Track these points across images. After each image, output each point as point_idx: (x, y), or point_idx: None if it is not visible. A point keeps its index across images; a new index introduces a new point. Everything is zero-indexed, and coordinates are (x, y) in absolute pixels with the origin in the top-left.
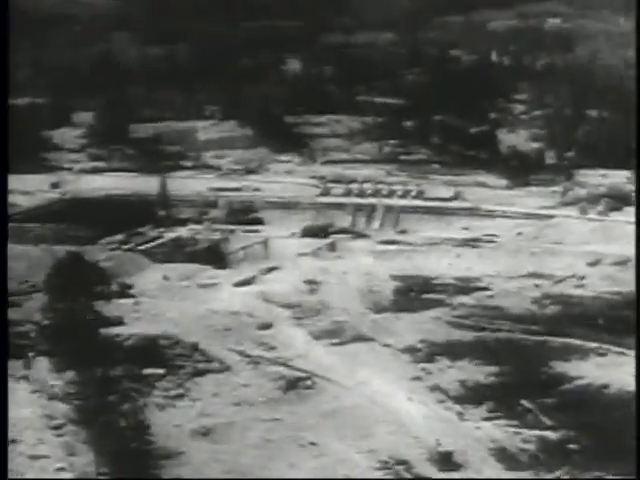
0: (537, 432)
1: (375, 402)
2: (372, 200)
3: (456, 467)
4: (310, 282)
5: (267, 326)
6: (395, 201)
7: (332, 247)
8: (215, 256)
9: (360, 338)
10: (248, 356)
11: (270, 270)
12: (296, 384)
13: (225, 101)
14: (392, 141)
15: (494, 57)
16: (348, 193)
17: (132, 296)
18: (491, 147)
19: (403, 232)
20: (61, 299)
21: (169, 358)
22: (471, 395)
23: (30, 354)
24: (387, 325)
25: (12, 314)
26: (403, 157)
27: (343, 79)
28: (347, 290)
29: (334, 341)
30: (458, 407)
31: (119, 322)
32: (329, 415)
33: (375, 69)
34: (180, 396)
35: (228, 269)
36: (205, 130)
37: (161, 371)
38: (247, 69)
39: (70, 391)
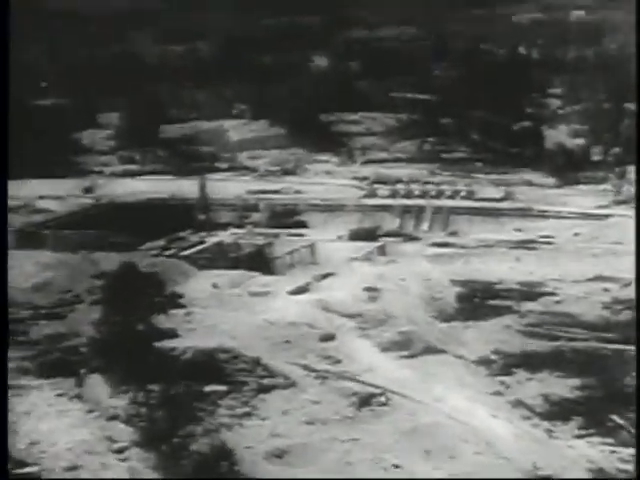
0: (633, 450)
1: (456, 419)
2: (420, 201)
3: None
4: (369, 289)
5: (329, 337)
6: (444, 202)
7: (382, 251)
8: (260, 261)
9: (430, 350)
10: (314, 370)
11: (325, 277)
12: (369, 400)
13: (253, 99)
14: (431, 139)
15: (522, 50)
16: (394, 194)
17: (183, 306)
18: (535, 144)
19: (454, 234)
20: (112, 311)
21: (230, 374)
22: (557, 411)
23: (81, 371)
24: (456, 335)
25: (56, 327)
26: (444, 155)
27: (371, 75)
28: (409, 298)
29: (404, 353)
30: (546, 424)
31: (173, 335)
32: (408, 434)
33: (403, 64)
34: (247, 415)
35: (279, 276)
36: (236, 130)
37: (224, 388)
38: (272, 66)
39: (130, 411)
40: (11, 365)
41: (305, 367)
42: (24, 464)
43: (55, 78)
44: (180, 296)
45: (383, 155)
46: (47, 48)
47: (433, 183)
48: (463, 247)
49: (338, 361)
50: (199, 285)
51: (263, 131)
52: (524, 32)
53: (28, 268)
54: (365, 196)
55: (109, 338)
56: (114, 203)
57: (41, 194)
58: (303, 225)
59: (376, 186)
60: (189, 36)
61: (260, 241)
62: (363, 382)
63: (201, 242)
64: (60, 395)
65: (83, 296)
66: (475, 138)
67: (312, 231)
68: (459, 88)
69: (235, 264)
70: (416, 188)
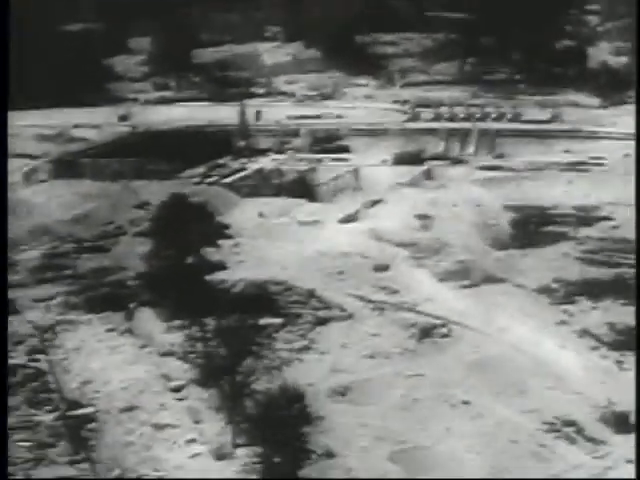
0: None
1: (523, 351)
2: (465, 124)
3: (632, 429)
4: (421, 217)
5: (384, 268)
6: (489, 124)
7: (428, 175)
8: (304, 188)
9: (490, 279)
10: (370, 301)
11: (373, 204)
12: (431, 332)
13: (286, 21)
14: (470, 60)
15: None
16: (438, 117)
17: (230, 237)
18: (578, 63)
19: (501, 157)
20: (158, 243)
21: (284, 306)
22: (625, 340)
23: (130, 305)
24: (514, 263)
25: (101, 260)
26: (486, 77)
27: None
28: (462, 225)
29: (463, 283)
30: (615, 354)
31: (222, 267)
32: (475, 368)
33: None
34: (306, 349)
35: (325, 203)
36: (270, 53)
37: (279, 321)
38: None
39: (184, 346)
40: (58, 300)
41: (361, 298)
42: (78, 405)
43: (84, 3)
44: (226, 226)
45: (423, 77)
46: None
47: (478, 105)
48: (512, 170)
49: (395, 291)
50: (244, 214)
51: (298, 54)
52: None
53: (68, 198)
54: (408, 120)
55: (157, 271)
56: (151, 131)
57: (76, 122)
58: (345, 150)
59: (419, 109)
60: None
61: (302, 167)
62: (423, 313)
63: (242, 169)
64: (110, 330)
65: (126, 227)
66: (516, 58)
67: (355, 156)
68: (495, 6)
69: (278, 191)
70: (460, 111)
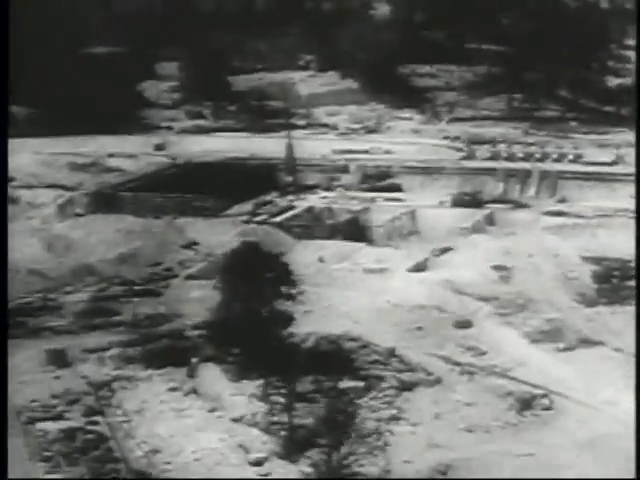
0: None
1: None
2: (524, 164)
3: None
4: (499, 268)
5: (466, 324)
6: (550, 165)
7: (490, 220)
8: (359, 230)
9: (586, 341)
10: (457, 364)
11: (443, 252)
12: (531, 403)
13: (319, 50)
14: (517, 95)
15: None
16: (495, 156)
17: (294, 284)
18: (627, 100)
19: (564, 201)
20: (219, 289)
21: (363, 367)
22: None
23: (193, 359)
24: (606, 322)
25: (154, 306)
26: (536, 114)
27: (438, 25)
28: (542, 277)
29: (558, 346)
30: None
31: (289, 317)
32: (588, 447)
33: (470, 13)
34: (395, 419)
35: (388, 248)
36: (305, 83)
37: (361, 384)
38: (332, 14)
39: (258, 412)
40: (112, 352)
41: (446, 359)
42: (146, 476)
43: (109, 26)
44: (290, 272)
45: (469, 113)
46: None
47: (536, 144)
48: (580, 217)
49: (482, 353)
50: (303, 258)
51: (334, 84)
52: None
53: (109, 235)
54: (463, 158)
55: (219, 321)
56: (191, 163)
57: (110, 151)
58: (398, 189)
59: (474, 147)
60: None
61: (355, 206)
62: (518, 380)
63: (290, 207)
64: (173, 389)
65: (176, 270)
66: (563, 94)
67: (409, 195)
68: (533, 39)
69: (332, 233)
70: (518, 150)
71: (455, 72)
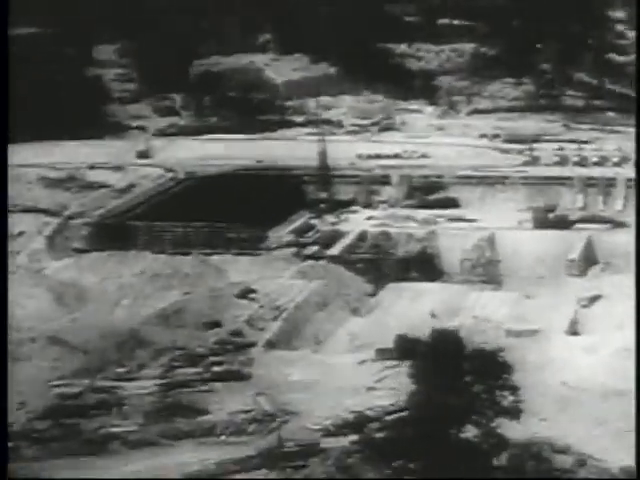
0: None
1: None
2: (605, 171)
3: None
4: None
5: None
6: (630, 170)
7: (590, 246)
8: (428, 262)
9: None
10: None
11: (592, 301)
12: None
13: (277, 27)
14: (525, 79)
15: None
16: (564, 160)
17: None
18: None
19: None
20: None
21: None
22: None
23: None
24: None
25: (242, 397)
26: (566, 102)
27: None
28: None
29: None
30: None
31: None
32: None
33: None
34: None
35: (511, 293)
36: (272, 68)
37: None
38: None
39: None
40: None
41: None
42: None
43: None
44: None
45: (486, 103)
46: None
47: (593, 142)
48: None
49: None
50: (405, 313)
51: (307, 69)
52: None
53: (131, 280)
54: (526, 163)
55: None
56: (196, 177)
57: (87, 162)
58: (454, 204)
59: (535, 148)
60: None
61: (415, 230)
62: None
63: (337, 232)
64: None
65: (247, 333)
66: (578, 76)
67: (471, 212)
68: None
69: (404, 269)
70: (591, 153)
71: (439, 52)
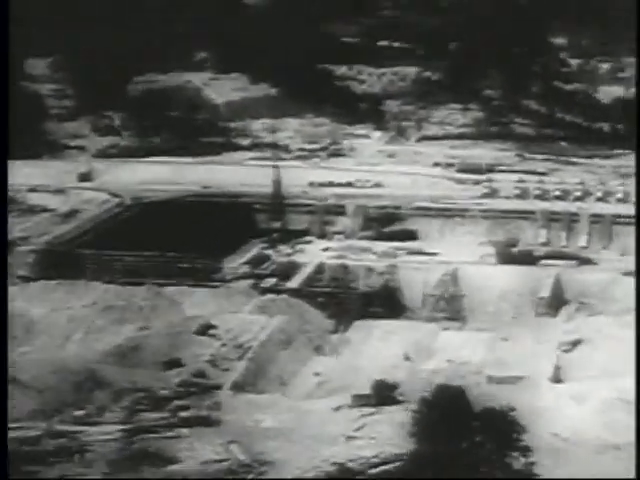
0: None
1: None
2: (567, 205)
3: None
4: None
5: None
6: (596, 206)
7: (558, 283)
8: (391, 297)
9: None
10: None
11: (573, 345)
12: None
13: (213, 45)
14: (473, 106)
15: None
16: (524, 194)
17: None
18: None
19: (626, 254)
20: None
21: None
22: None
23: None
24: None
25: (212, 448)
26: (517, 130)
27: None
28: None
29: None
30: None
31: None
32: None
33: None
34: None
35: (486, 334)
36: (211, 88)
37: None
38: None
39: None
40: None
41: None
42: None
43: None
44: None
45: (435, 129)
46: None
47: (578, 181)
48: None
49: None
50: (378, 354)
51: (246, 89)
52: None
53: (82, 312)
54: (485, 195)
55: None
56: (143, 203)
57: (27, 184)
58: (412, 236)
59: (493, 179)
60: None
61: (374, 263)
62: None
63: (292, 263)
64: None
65: (211, 374)
66: (524, 104)
67: (428, 245)
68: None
69: (366, 304)
70: (553, 186)
71: (380, 75)
